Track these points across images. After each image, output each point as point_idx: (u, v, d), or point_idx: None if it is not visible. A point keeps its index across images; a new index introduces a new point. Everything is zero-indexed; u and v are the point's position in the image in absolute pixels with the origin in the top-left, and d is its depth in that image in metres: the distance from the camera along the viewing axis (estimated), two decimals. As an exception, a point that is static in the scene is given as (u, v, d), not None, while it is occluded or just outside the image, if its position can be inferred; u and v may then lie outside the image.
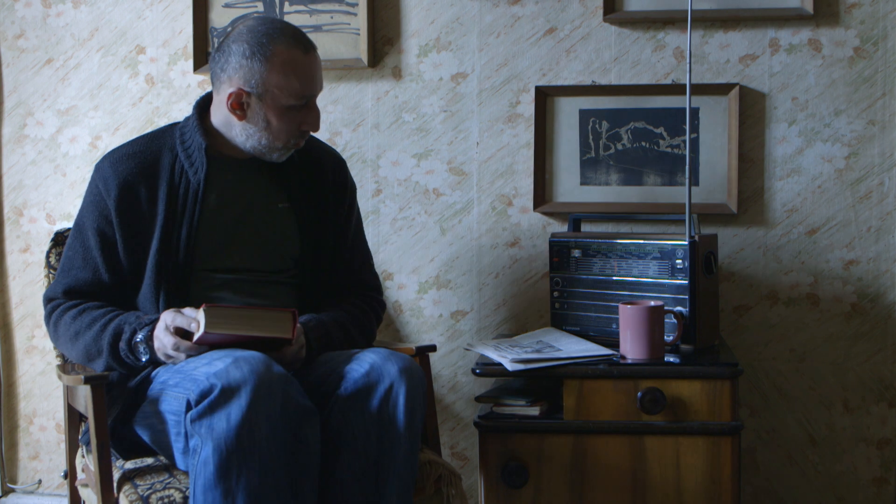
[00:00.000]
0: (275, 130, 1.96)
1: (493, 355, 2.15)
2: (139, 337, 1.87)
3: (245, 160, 2.05)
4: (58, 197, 2.82)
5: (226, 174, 2.03)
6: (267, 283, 2.03)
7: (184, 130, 2.04)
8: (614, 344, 2.22)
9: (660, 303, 2.12)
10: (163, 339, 1.84)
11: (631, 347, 2.10)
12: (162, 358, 1.86)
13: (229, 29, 2.02)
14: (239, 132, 1.98)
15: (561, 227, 2.58)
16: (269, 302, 2.00)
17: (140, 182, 1.98)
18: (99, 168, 2.01)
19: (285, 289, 2.05)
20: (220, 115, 2.01)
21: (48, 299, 2.02)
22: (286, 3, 2.66)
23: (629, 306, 2.10)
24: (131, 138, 2.12)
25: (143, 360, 1.88)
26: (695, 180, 2.50)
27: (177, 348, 1.83)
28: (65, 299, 1.99)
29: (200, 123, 2.02)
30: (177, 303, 1.94)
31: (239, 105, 1.95)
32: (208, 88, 2.72)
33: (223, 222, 2.00)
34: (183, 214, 1.97)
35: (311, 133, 2.04)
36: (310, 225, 2.07)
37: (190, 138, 2.01)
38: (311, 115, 1.98)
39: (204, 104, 2.06)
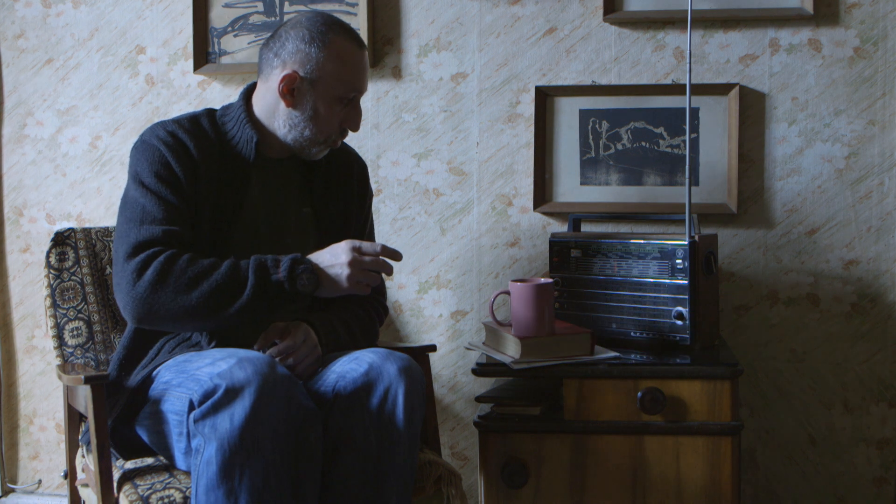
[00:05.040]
0: (320, 121, 1.95)
1: (496, 355, 2.15)
2: (303, 266, 1.82)
3: (279, 161, 2.03)
4: (58, 197, 2.82)
5: (261, 174, 2.01)
6: None
7: (224, 120, 2.01)
8: (615, 344, 2.22)
9: (549, 280, 2.10)
10: (340, 254, 1.83)
11: (517, 325, 2.08)
12: (335, 276, 1.83)
13: (288, 20, 2.01)
14: (283, 122, 1.96)
15: (561, 227, 2.58)
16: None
17: (193, 156, 1.92)
18: (154, 133, 1.93)
19: None
20: (264, 104, 1.98)
21: (140, 245, 1.83)
22: (286, 3, 2.66)
23: (518, 283, 2.08)
24: (164, 119, 2.03)
25: (310, 289, 1.83)
26: (695, 180, 2.50)
27: (354, 257, 1.81)
28: (165, 246, 1.84)
29: (249, 116, 2.00)
30: None
31: (290, 90, 1.94)
32: (208, 88, 2.73)
33: (249, 223, 1.99)
34: (222, 207, 1.94)
35: (350, 133, 2.03)
36: (329, 231, 2.07)
37: (238, 130, 1.98)
38: (353, 114, 1.99)
39: (247, 94, 2.04)
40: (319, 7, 2.63)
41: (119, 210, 1.92)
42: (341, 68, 1.93)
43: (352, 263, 1.83)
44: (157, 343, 1.97)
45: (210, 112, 2.04)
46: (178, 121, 1.98)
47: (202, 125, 1.98)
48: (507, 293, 2.09)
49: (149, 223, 1.86)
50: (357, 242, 1.85)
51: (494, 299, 2.12)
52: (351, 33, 1.98)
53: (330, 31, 1.94)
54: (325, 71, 1.93)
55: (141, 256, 1.82)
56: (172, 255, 1.82)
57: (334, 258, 1.84)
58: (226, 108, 2.04)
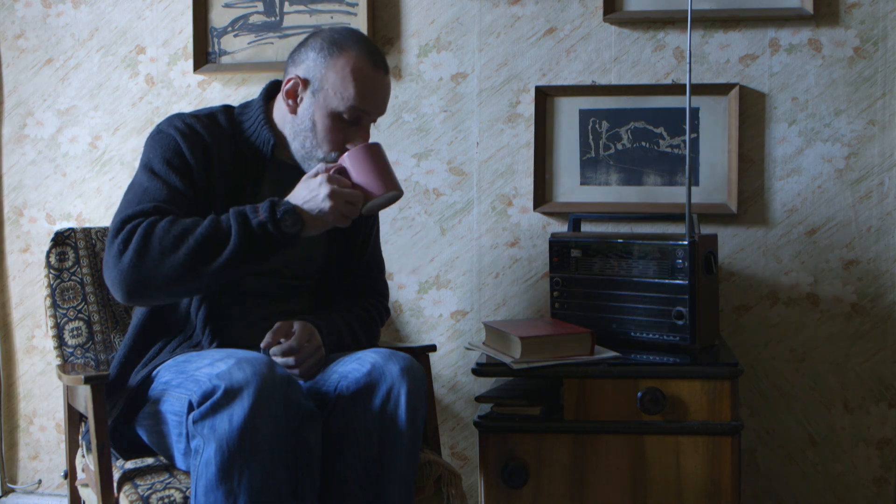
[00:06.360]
0: (318, 135, 1.89)
1: (496, 355, 2.15)
2: (284, 208, 1.75)
3: (293, 166, 1.98)
4: (58, 197, 2.82)
5: (274, 175, 1.99)
6: (289, 290, 2.02)
7: (242, 119, 1.98)
8: (615, 344, 2.22)
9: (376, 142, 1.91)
10: (318, 188, 1.76)
11: (368, 187, 1.83)
12: (316, 205, 1.76)
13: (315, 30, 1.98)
14: (289, 129, 1.93)
15: (561, 227, 2.58)
16: (286, 307, 1.99)
17: (208, 148, 1.90)
18: (171, 123, 1.92)
19: (304, 296, 2.05)
20: (280, 109, 1.96)
21: (127, 218, 1.79)
22: (286, 3, 2.66)
23: (347, 152, 1.86)
24: (182, 111, 2.01)
25: (295, 229, 1.76)
26: (695, 180, 2.50)
27: (334, 188, 1.75)
28: (150, 216, 1.79)
29: (267, 118, 1.97)
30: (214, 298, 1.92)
31: (293, 95, 1.90)
32: (208, 88, 2.73)
33: None
34: (233, 203, 1.90)
35: None
36: (337, 236, 2.06)
37: (255, 131, 1.95)
38: (355, 135, 1.91)
39: (268, 95, 2.01)
40: (319, 7, 2.63)
41: (123, 195, 1.90)
42: (344, 83, 1.87)
43: (332, 195, 1.77)
44: (157, 343, 1.97)
45: (228, 109, 2.01)
46: (195, 114, 1.96)
47: (219, 121, 1.97)
48: (343, 168, 1.83)
49: (146, 203, 1.82)
50: (331, 174, 1.79)
51: (334, 171, 1.82)
52: (371, 52, 1.90)
53: (345, 43, 1.88)
54: (328, 82, 1.87)
55: (126, 229, 1.78)
56: (153, 221, 1.77)
57: (311, 192, 1.78)
58: (244, 106, 2.01)
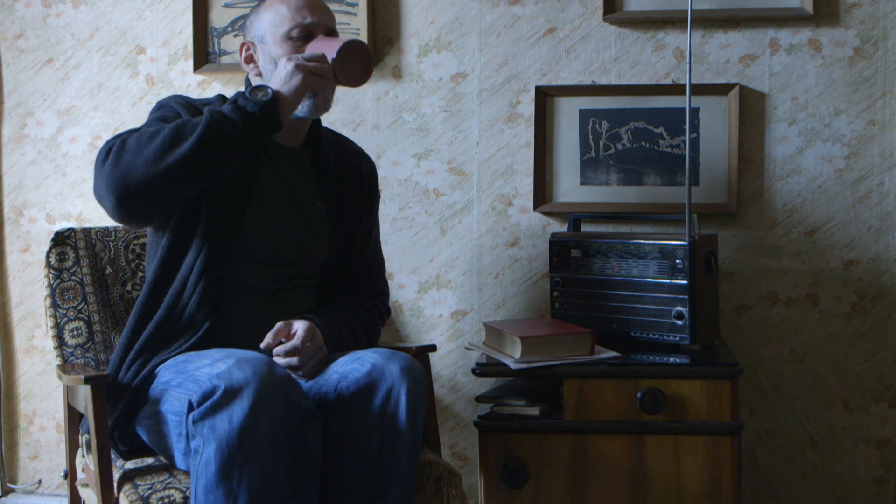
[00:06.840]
0: None
1: (496, 355, 2.15)
2: (253, 86, 1.81)
3: (291, 150, 2.02)
4: (58, 197, 2.82)
5: (273, 159, 2.00)
6: (292, 286, 2.02)
7: None
8: (615, 344, 2.22)
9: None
10: (282, 66, 1.83)
11: (327, 48, 1.91)
12: (286, 77, 1.81)
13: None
14: None
15: (561, 227, 2.58)
16: (287, 306, 1.99)
17: None
18: (172, 97, 2.00)
19: (306, 294, 2.05)
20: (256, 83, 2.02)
21: (112, 138, 1.84)
22: (286, 3, 2.66)
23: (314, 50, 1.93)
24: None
25: (267, 98, 1.78)
26: (695, 180, 2.50)
27: (297, 59, 1.83)
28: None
29: None
30: (213, 274, 1.92)
31: (251, 59, 2.01)
32: (208, 88, 2.73)
33: (262, 206, 1.97)
34: (232, 181, 1.92)
35: (351, 132, 2.02)
36: (340, 228, 2.06)
37: None
38: None
39: None
40: (319, 7, 2.63)
41: None
42: (276, 11, 1.96)
43: (294, 61, 1.82)
44: (147, 327, 1.94)
45: (222, 97, 2.04)
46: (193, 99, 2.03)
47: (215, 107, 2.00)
48: (320, 55, 1.88)
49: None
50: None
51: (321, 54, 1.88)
52: None
53: None
54: (266, 23, 1.97)
55: (109, 144, 1.81)
56: (133, 130, 1.84)
57: (278, 74, 1.84)
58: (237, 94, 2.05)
